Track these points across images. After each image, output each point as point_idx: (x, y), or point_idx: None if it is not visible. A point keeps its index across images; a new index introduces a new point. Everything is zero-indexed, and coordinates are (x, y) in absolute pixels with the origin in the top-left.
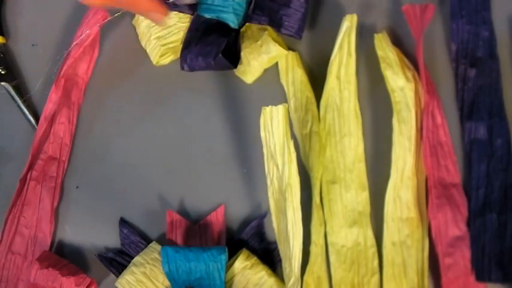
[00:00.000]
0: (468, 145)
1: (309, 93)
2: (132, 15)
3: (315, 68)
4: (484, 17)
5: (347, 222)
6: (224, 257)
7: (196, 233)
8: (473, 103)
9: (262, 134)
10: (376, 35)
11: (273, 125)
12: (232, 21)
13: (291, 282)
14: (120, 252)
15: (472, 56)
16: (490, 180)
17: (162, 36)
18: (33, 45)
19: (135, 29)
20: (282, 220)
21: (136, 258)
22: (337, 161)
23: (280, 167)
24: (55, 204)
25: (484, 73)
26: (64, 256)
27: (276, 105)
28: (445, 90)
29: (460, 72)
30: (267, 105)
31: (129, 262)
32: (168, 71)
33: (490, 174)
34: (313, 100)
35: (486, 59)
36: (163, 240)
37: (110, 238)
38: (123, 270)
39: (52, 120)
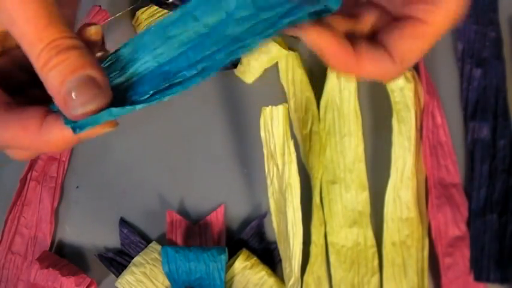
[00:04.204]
0: (471, 145)
1: (309, 93)
2: (132, 16)
3: (315, 68)
4: (491, 18)
5: (347, 222)
6: (224, 257)
7: (196, 233)
8: (478, 103)
9: (262, 134)
10: None
11: (273, 125)
12: None
13: (291, 282)
14: (120, 252)
15: (478, 56)
16: (492, 180)
17: None
18: None
19: (135, 29)
20: (282, 220)
21: (136, 258)
22: (337, 161)
23: (280, 167)
24: (55, 204)
25: (490, 74)
26: (64, 256)
27: (276, 105)
28: (448, 90)
29: (465, 72)
30: (267, 105)
31: (129, 262)
32: None
33: (492, 174)
34: (313, 100)
35: (492, 59)
36: (163, 240)
37: (110, 238)
38: (123, 270)
39: None
